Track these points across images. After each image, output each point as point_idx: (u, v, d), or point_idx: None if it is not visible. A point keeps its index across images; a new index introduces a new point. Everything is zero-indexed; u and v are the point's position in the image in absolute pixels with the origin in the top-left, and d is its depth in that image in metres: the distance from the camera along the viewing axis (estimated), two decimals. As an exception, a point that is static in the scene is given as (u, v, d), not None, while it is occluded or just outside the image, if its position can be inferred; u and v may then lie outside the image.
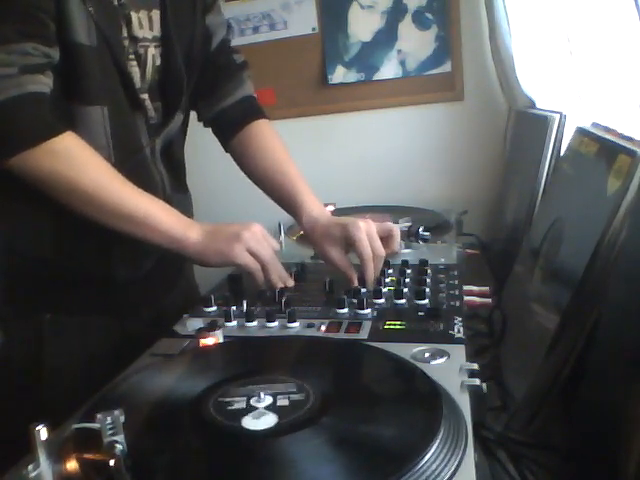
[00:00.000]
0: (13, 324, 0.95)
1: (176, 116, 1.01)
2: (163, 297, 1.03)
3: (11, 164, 0.79)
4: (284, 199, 1.07)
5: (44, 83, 0.80)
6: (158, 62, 0.96)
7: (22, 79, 0.77)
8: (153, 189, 0.95)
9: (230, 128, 1.12)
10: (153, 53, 0.95)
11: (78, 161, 0.82)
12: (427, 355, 0.68)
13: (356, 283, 0.92)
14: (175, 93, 0.99)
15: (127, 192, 0.85)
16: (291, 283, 0.94)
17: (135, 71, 0.93)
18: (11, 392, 0.94)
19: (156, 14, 0.94)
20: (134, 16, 0.91)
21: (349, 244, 0.93)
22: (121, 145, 0.91)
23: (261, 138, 1.12)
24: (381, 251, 0.92)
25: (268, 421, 0.53)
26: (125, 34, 0.91)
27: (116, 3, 0.89)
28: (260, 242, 0.89)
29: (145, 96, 0.95)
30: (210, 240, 0.87)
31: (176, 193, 1.05)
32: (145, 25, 0.93)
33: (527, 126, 1.28)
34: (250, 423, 0.53)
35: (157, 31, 0.95)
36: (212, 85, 1.09)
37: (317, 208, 1.03)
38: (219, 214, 1.28)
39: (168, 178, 1.02)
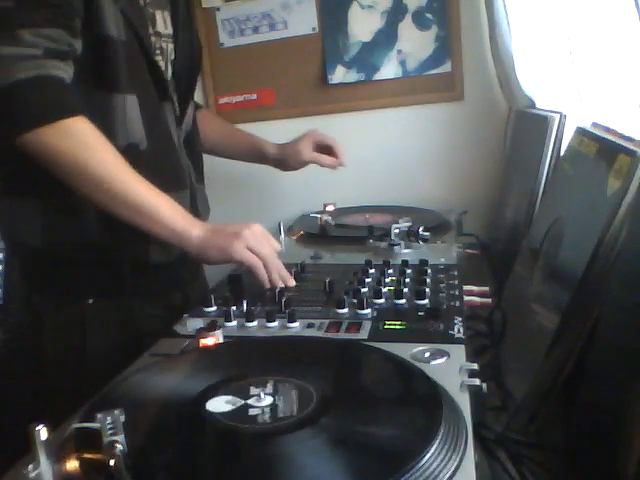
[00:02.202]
0: (51, 311, 1.00)
1: (190, 105, 1.12)
2: (189, 283, 1.11)
3: (24, 141, 0.82)
4: (248, 146, 1.34)
5: (64, 70, 0.85)
6: (172, 57, 1.07)
7: (44, 62, 0.81)
8: (183, 179, 1.05)
9: None
10: (170, 48, 1.06)
11: (89, 144, 0.85)
12: (427, 355, 0.68)
13: (338, 162, 1.33)
14: (188, 84, 1.10)
15: (136, 183, 0.88)
16: (292, 283, 0.95)
17: (162, 64, 1.03)
18: (46, 376, 1.02)
19: (167, 15, 1.05)
20: (157, 14, 1.02)
21: (318, 144, 1.33)
22: (153, 133, 0.97)
23: (212, 118, 1.38)
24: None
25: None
26: (151, 30, 1.00)
27: (142, 3, 0.98)
28: (260, 241, 0.91)
29: (171, 87, 1.05)
30: (211, 237, 0.90)
31: (200, 185, 1.15)
32: (162, 23, 1.04)
33: (527, 126, 1.28)
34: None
35: (170, 29, 1.06)
36: None
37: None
38: (220, 214, 1.28)
39: (192, 169, 1.11)
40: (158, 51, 1.03)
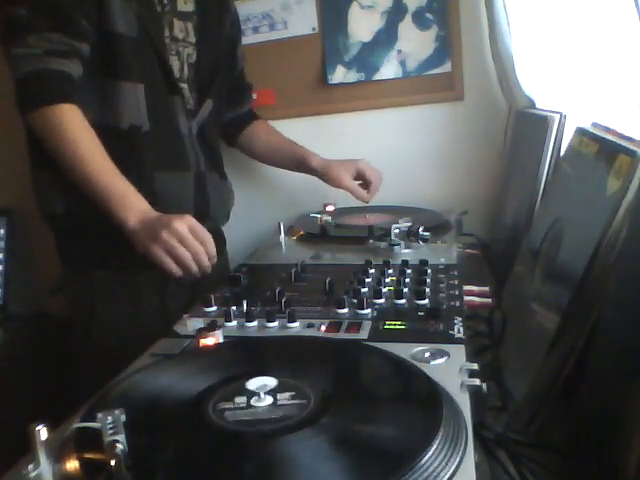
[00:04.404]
0: (71, 280, 1.17)
1: (206, 102, 1.25)
2: None
3: (27, 121, 1.02)
4: (295, 158, 1.42)
5: (65, 65, 0.99)
6: (192, 60, 1.22)
7: (45, 59, 0.98)
8: (186, 162, 1.19)
9: (238, 128, 1.47)
10: (189, 53, 1.21)
11: (65, 130, 0.99)
12: (427, 355, 0.68)
13: (367, 199, 1.39)
14: (205, 83, 1.25)
15: (99, 169, 0.99)
16: (209, 270, 1.00)
17: (175, 64, 1.18)
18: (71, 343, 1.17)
19: (190, 25, 1.21)
20: (176, 22, 1.18)
21: (360, 174, 1.40)
22: (156, 118, 1.12)
23: (266, 128, 1.49)
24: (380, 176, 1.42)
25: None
26: (167, 34, 1.16)
27: (160, 10, 1.14)
28: (182, 238, 0.96)
29: (184, 85, 1.21)
30: (140, 233, 0.98)
31: (214, 173, 1.29)
32: (183, 30, 1.20)
33: (527, 126, 1.28)
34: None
35: (192, 38, 1.22)
36: (231, 100, 1.42)
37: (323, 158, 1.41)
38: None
39: (203, 157, 1.25)
40: (174, 52, 1.18)
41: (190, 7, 1.21)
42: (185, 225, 0.96)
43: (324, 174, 1.40)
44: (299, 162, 1.42)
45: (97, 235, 1.09)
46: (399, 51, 1.55)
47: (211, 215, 1.26)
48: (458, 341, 0.72)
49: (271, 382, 0.58)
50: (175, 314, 0.86)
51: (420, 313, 0.81)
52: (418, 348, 0.69)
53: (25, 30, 0.97)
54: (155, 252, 0.96)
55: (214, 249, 0.99)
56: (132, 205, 0.99)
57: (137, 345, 0.74)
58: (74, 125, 0.99)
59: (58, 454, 0.47)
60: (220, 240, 1.38)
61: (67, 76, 1.00)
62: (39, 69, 0.98)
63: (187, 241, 0.96)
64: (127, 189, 1.00)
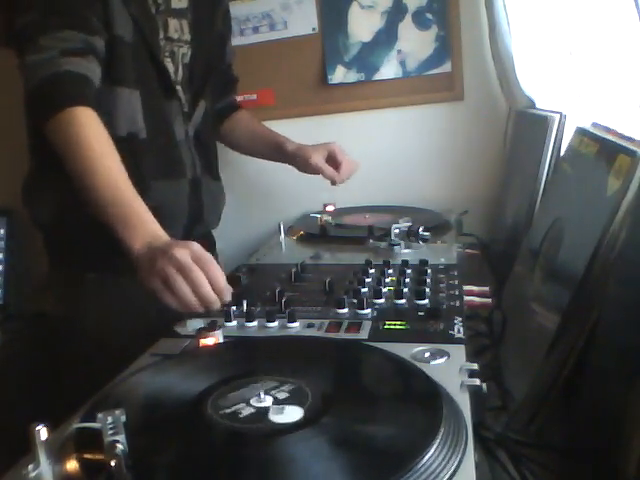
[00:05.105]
0: (61, 283, 1.13)
1: (200, 103, 1.22)
2: None
3: (46, 134, 0.93)
4: (274, 147, 1.39)
5: (82, 65, 0.95)
6: (186, 60, 1.18)
7: (61, 60, 0.93)
8: (182, 169, 1.16)
9: (220, 119, 1.42)
10: (184, 52, 1.17)
11: (75, 139, 0.91)
12: (427, 355, 0.68)
13: (337, 179, 1.32)
14: (199, 84, 1.21)
15: (108, 183, 0.90)
16: (216, 306, 0.81)
17: (170, 66, 1.14)
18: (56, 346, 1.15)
19: (185, 23, 1.17)
20: (170, 22, 1.14)
21: (331, 156, 1.34)
22: (153, 125, 1.09)
23: (247, 117, 1.46)
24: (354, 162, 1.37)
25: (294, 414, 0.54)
26: (162, 35, 1.12)
27: (154, 11, 1.10)
28: (181, 268, 0.79)
29: (179, 87, 1.17)
30: (142, 262, 0.84)
31: (208, 176, 1.25)
32: (178, 29, 1.16)
33: (527, 126, 1.28)
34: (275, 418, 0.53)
35: (187, 36, 1.18)
36: (217, 92, 1.36)
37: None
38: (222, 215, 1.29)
39: (199, 161, 1.21)
40: (168, 54, 1.14)
41: (184, 3, 1.17)
42: (183, 255, 0.79)
43: (297, 157, 1.35)
44: (278, 149, 1.39)
45: (85, 240, 1.05)
46: (399, 51, 1.55)
47: (204, 219, 1.24)
48: (458, 341, 0.72)
49: (297, 414, 0.54)
50: (175, 314, 0.85)
51: (420, 313, 0.81)
52: (418, 348, 0.70)
53: (38, 32, 0.93)
54: (154, 286, 0.81)
55: (220, 281, 0.80)
56: (137, 229, 0.87)
57: (137, 345, 0.74)
58: (84, 131, 0.91)
59: (58, 454, 0.47)
60: (210, 243, 1.34)
61: (81, 77, 0.95)
62: (53, 73, 0.92)
63: (186, 271, 0.79)
64: (131, 211, 0.88)
